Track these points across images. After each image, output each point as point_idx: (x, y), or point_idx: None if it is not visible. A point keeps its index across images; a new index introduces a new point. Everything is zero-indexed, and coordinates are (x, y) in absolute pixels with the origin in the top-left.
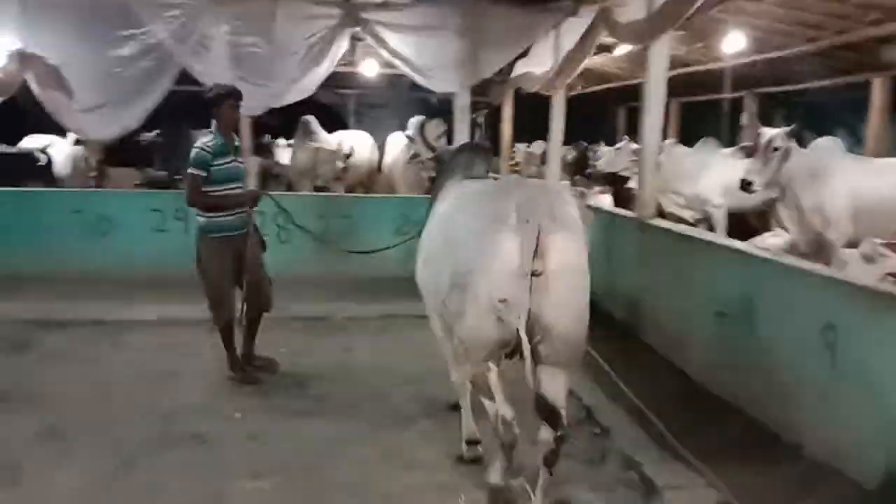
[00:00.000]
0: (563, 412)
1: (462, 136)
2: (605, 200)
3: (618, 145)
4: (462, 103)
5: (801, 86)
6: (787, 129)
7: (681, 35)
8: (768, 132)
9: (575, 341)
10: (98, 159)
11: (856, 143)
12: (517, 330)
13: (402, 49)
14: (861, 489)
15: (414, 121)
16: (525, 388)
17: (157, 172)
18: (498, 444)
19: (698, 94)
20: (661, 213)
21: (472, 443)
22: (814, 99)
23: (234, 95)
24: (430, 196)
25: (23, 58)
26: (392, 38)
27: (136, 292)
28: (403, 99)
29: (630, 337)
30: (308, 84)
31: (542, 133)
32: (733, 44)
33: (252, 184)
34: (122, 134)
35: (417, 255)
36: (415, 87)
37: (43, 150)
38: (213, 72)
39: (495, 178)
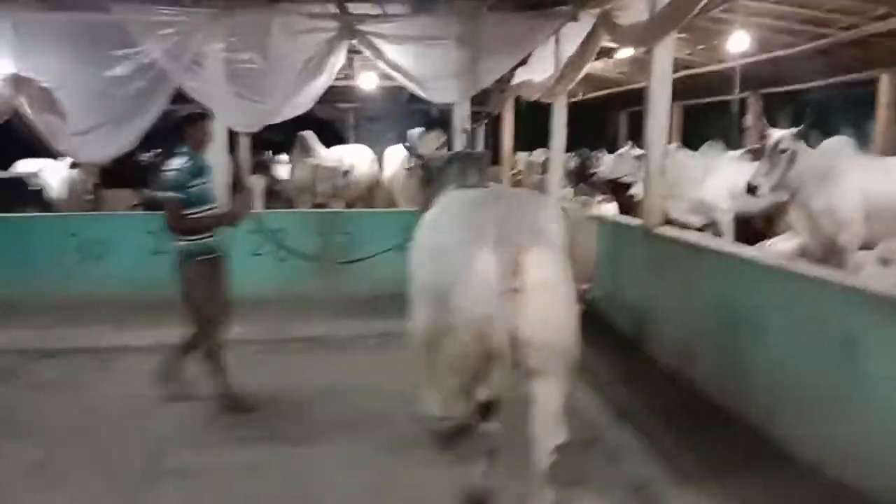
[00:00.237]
0: (560, 421)
1: (462, 146)
2: (610, 208)
3: (620, 151)
4: (462, 114)
5: (806, 85)
6: (795, 130)
7: (682, 37)
8: (776, 134)
9: (560, 352)
10: (94, 182)
11: (863, 142)
12: (496, 347)
13: (399, 60)
14: None
15: (413, 133)
16: None
17: (152, 193)
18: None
19: (701, 96)
20: (667, 220)
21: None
22: (819, 98)
23: (205, 116)
24: (421, 206)
25: (16, 81)
26: (389, 50)
27: (131, 317)
28: (403, 111)
29: (636, 349)
30: (305, 99)
31: (543, 141)
32: (736, 44)
33: (257, 203)
34: (116, 156)
35: (409, 266)
36: (414, 98)
37: (36, 175)
38: (208, 89)
39: (489, 188)
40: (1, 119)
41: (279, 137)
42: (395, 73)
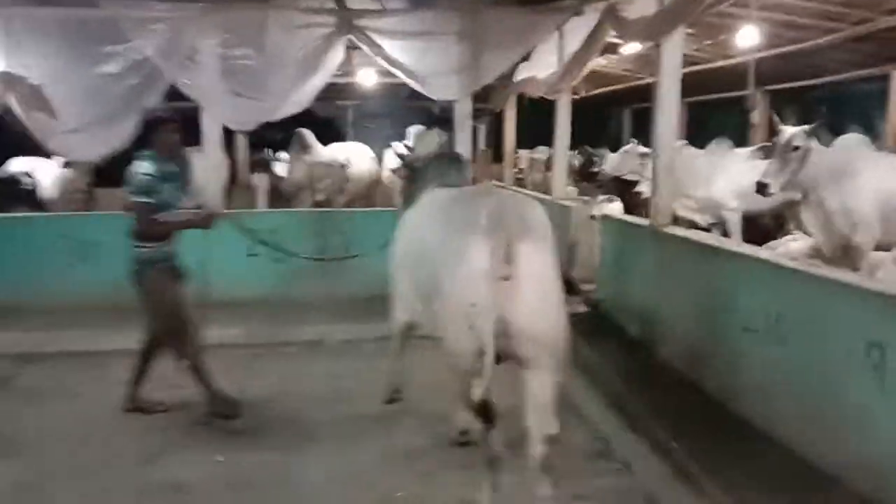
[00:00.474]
0: (552, 412)
1: (464, 145)
2: (615, 207)
3: (624, 149)
4: (463, 111)
5: (816, 80)
6: (808, 126)
7: (689, 33)
8: (787, 131)
9: (552, 343)
10: (87, 181)
11: (874, 139)
12: (501, 334)
13: (398, 56)
14: None
15: (412, 130)
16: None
17: (184, 200)
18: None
19: (707, 93)
20: (675, 219)
21: (395, 397)
22: (829, 94)
23: (173, 119)
24: (400, 206)
25: (6, 79)
26: (388, 46)
27: (124, 320)
28: (404, 108)
29: (645, 353)
30: (303, 96)
31: (546, 139)
32: (745, 39)
33: (261, 201)
34: (108, 155)
35: (391, 263)
36: (415, 95)
37: (28, 174)
38: (202, 87)
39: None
40: None
41: (280, 135)
42: (394, 70)
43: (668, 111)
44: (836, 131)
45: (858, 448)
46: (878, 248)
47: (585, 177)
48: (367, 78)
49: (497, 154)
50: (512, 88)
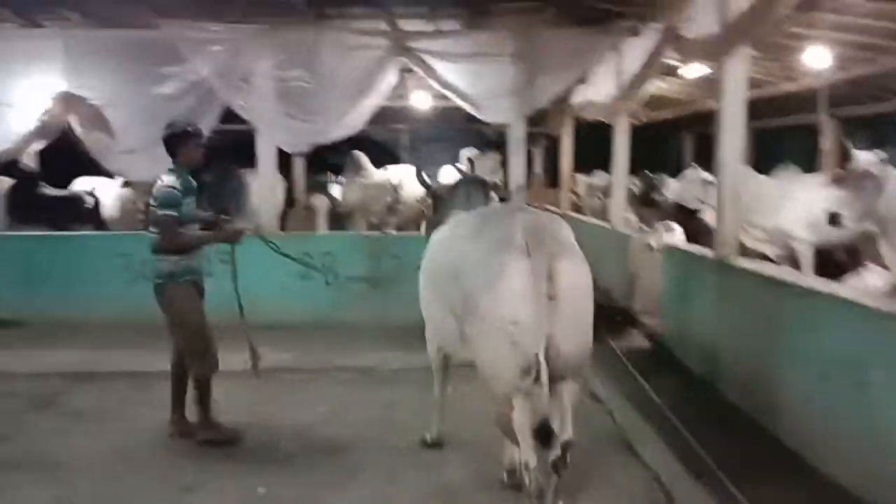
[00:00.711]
0: (570, 420)
1: (517, 168)
2: (676, 236)
3: (686, 174)
4: (517, 134)
5: (891, 105)
6: (883, 154)
7: (754, 55)
8: (861, 157)
9: (582, 359)
10: (146, 201)
11: None
12: (535, 354)
13: (451, 79)
14: None
15: (466, 153)
16: None
17: (203, 214)
18: (525, 494)
19: (773, 117)
20: (742, 250)
21: (437, 441)
22: None
23: (198, 134)
24: (427, 231)
25: (67, 100)
26: (441, 68)
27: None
28: (458, 132)
29: (708, 393)
30: (355, 119)
31: (603, 164)
32: (814, 61)
33: (320, 224)
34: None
35: (421, 287)
36: (470, 118)
37: (90, 193)
38: (257, 108)
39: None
40: (51, 137)
41: (340, 158)
42: (447, 92)
43: (733, 136)
44: None
45: None
46: None
47: (646, 203)
48: (421, 101)
49: (553, 179)
50: (568, 112)
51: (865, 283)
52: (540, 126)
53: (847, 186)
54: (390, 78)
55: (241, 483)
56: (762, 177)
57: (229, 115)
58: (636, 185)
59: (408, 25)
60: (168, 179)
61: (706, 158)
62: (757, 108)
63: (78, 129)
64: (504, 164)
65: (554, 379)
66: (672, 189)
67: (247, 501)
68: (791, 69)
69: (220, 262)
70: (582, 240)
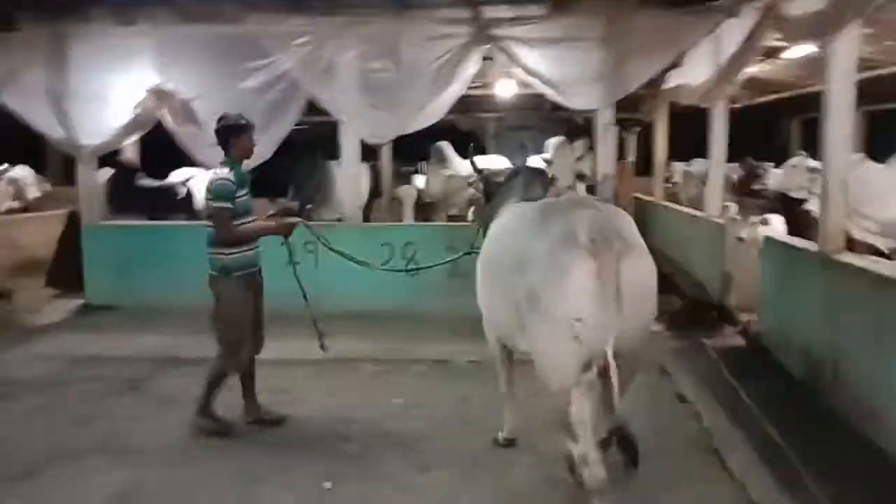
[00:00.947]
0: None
1: (606, 157)
2: (772, 228)
3: (791, 162)
4: (605, 121)
5: None
6: None
7: (865, 32)
8: None
9: (642, 356)
10: None
11: None
12: (600, 351)
13: (536, 65)
14: None
15: (553, 142)
16: None
17: (288, 203)
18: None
19: (888, 101)
20: (850, 242)
21: (510, 440)
22: None
23: (250, 126)
24: (478, 220)
25: (159, 94)
26: (526, 54)
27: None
28: (546, 120)
29: (808, 399)
30: (437, 108)
31: (702, 151)
32: None
33: (407, 214)
34: (251, 166)
35: (479, 277)
36: (558, 106)
37: (184, 184)
38: (340, 100)
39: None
40: (144, 129)
41: (426, 149)
42: (531, 79)
43: (841, 121)
44: None
45: None
46: None
47: (747, 193)
48: (505, 89)
49: (647, 167)
50: (662, 97)
51: None
52: (633, 112)
53: None
54: (473, 66)
55: (309, 476)
56: (875, 164)
57: (315, 107)
58: (737, 172)
59: (491, 12)
60: (222, 172)
61: (817, 146)
62: (870, 91)
63: (170, 123)
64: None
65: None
66: (775, 177)
67: (311, 496)
68: None
69: (307, 252)
70: (676, 230)
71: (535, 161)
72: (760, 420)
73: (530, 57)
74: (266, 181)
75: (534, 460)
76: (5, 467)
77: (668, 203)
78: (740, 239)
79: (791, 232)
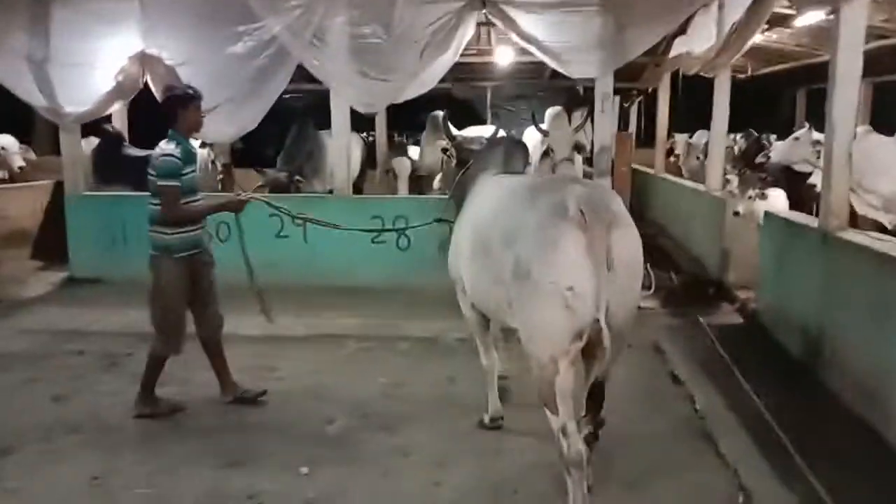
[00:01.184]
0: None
1: (603, 128)
2: (778, 202)
3: (795, 134)
4: (604, 90)
5: None
6: None
7: (876, 0)
8: None
9: (627, 330)
10: (223, 162)
11: None
12: (591, 320)
13: (533, 31)
14: None
15: (550, 112)
16: None
17: (276, 174)
18: (565, 470)
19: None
20: (853, 217)
21: (495, 419)
22: None
23: (198, 97)
24: (450, 189)
25: (143, 59)
26: (523, 20)
27: (248, 303)
28: (545, 89)
29: (807, 380)
30: (431, 76)
31: (705, 122)
32: None
33: (402, 186)
34: (238, 135)
35: (453, 249)
36: (558, 75)
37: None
38: (330, 67)
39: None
40: (128, 97)
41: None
42: (529, 46)
43: (846, 91)
44: None
45: None
46: None
47: (750, 166)
48: (503, 56)
49: (649, 138)
50: (665, 66)
51: None
52: (635, 82)
53: None
54: (468, 32)
55: (287, 460)
56: (881, 137)
57: (308, 74)
58: (739, 144)
59: None
60: (167, 147)
61: (823, 118)
62: (879, 61)
63: (154, 89)
64: (593, 122)
65: (588, 352)
66: (779, 150)
67: (287, 481)
68: None
69: (295, 226)
70: (675, 204)
71: (531, 131)
72: (756, 403)
73: (527, 22)
74: (254, 151)
75: (521, 445)
76: None
77: (667, 176)
78: (736, 213)
79: (795, 207)
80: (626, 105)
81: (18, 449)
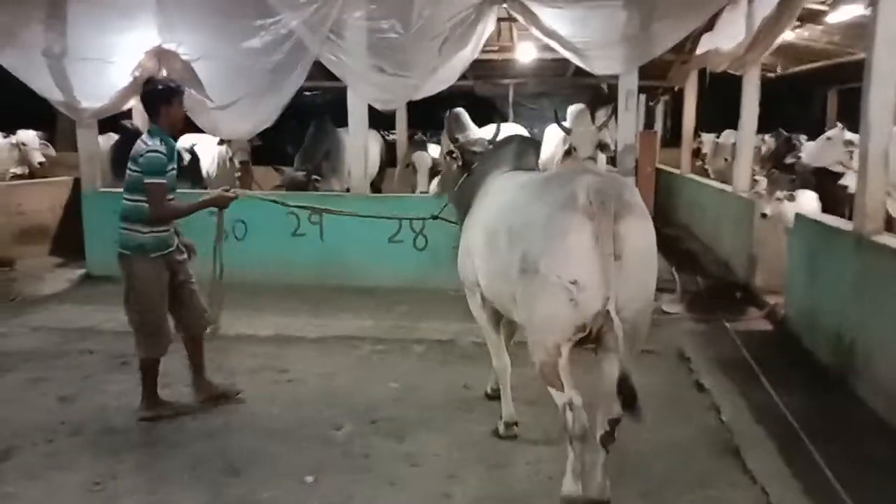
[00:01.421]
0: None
1: (627, 127)
2: (808, 204)
3: (827, 134)
4: (628, 87)
5: None
6: None
7: None
8: None
9: (642, 325)
10: (241, 159)
11: None
12: (604, 313)
13: (555, 26)
14: None
15: (573, 109)
16: None
17: (294, 173)
18: (568, 441)
19: None
20: (888, 222)
21: (510, 424)
22: None
23: (181, 93)
24: (452, 190)
25: (160, 54)
26: (544, 14)
27: (263, 302)
28: (569, 87)
29: (838, 389)
30: (450, 72)
31: (733, 122)
32: None
33: (421, 183)
34: (255, 132)
35: (463, 250)
36: (582, 72)
37: (189, 150)
38: (347, 63)
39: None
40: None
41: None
42: (550, 41)
43: (883, 89)
44: None
45: None
46: None
47: (779, 166)
48: (526, 53)
49: (675, 137)
50: (692, 63)
51: None
52: (661, 80)
53: None
54: (489, 27)
55: (291, 468)
56: None
57: (327, 71)
58: (767, 143)
59: None
60: (152, 143)
61: (855, 118)
62: None
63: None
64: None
65: (599, 344)
66: (810, 151)
67: (290, 490)
68: None
69: (311, 224)
70: (702, 205)
71: (553, 130)
72: (786, 414)
73: (549, 17)
74: (270, 149)
75: (536, 456)
76: None
77: (693, 176)
78: (763, 215)
79: (826, 209)
80: (651, 104)
81: (20, 451)
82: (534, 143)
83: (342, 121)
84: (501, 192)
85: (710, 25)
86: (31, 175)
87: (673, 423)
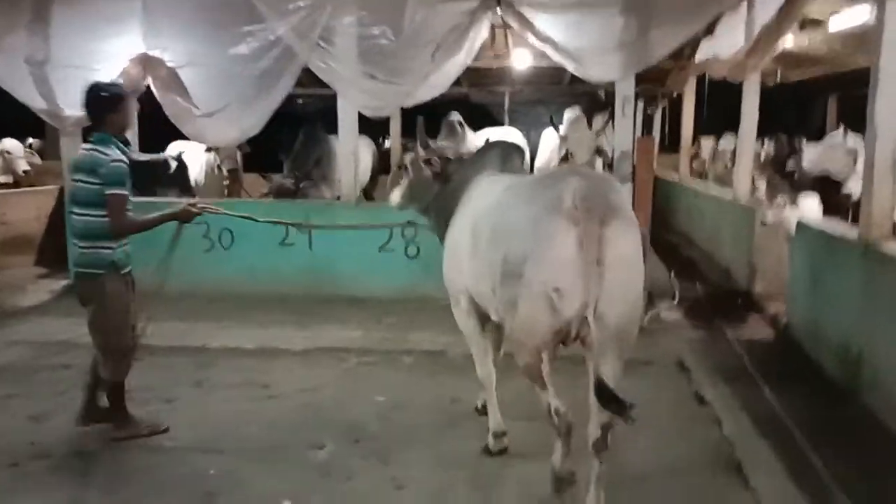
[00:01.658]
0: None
1: (624, 133)
2: (811, 210)
3: (829, 139)
4: (625, 93)
5: None
6: None
7: None
8: None
9: (627, 331)
10: (230, 168)
11: None
12: (575, 319)
13: (550, 32)
14: None
15: (569, 115)
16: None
17: (282, 180)
18: (555, 432)
19: None
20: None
21: (498, 435)
22: None
23: (126, 97)
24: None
25: (144, 61)
26: (539, 20)
27: (249, 313)
28: (565, 94)
29: (844, 401)
30: (442, 79)
31: (732, 127)
32: None
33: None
34: (242, 139)
35: (449, 258)
36: (578, 79)
37: (177, 158)
38: (336, 69)
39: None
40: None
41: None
42: (546, 48)
43: (891, 92)
44: None
45: None
46: None
47: (780, 172)
48: (521, 60)
49: (674, 143)
50: (691, 69)
51: None
52: (659, 85)
53: None
54: (482, 33)
55: (268, 491)
56: None
57: (317, 77)
58: (766, 148)
59: None
60: (111, 153)
61: (854, 125)
62: None
63: (156, 92)
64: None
65: (588, 348)
66: (811, 156)
67: None
68: None
69: (297, 234)
70: (701, 211)
71: (549, 134)
72: (790, 428)
73: (544, 23)
74: (259, 155)
75: (526, 474)
76: None
77: (692, 182)
78: (764, 224)
79: (827, 215)
80: (649, 111)
81: None
82: (518, 149)
83: (333, 128)
84: (487, 193)
85: (709, 31)
86: (16, 183)
87: (672, 437)
